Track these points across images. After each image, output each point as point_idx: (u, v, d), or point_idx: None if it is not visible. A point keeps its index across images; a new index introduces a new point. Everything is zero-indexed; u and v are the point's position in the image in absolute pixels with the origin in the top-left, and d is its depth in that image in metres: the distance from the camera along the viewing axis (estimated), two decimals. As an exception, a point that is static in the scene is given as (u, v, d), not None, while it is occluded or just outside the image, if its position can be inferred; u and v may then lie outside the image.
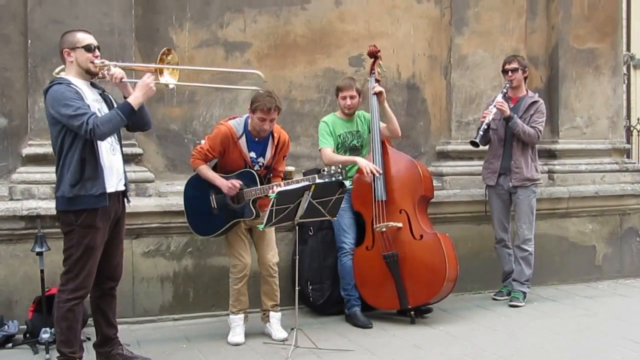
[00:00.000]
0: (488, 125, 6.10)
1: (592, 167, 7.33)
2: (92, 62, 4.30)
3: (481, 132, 6.07)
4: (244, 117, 5.30)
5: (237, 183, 5.15)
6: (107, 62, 4.37)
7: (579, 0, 7.24)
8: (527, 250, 6.32)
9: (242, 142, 5.22)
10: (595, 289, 7.01)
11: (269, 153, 5.30)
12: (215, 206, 5.23)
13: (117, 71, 4.33)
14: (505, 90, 6.20)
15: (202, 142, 5.40)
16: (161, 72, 4.38)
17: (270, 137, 5.29)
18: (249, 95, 6.21)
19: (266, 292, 5.39)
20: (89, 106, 4.19)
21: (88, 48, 4.29)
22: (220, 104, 6.19)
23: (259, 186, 5.14)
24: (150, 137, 5.96)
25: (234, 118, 5.37)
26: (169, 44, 6.02)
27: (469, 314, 6.05)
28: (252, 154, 5.26)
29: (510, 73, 6.26)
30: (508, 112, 6.06)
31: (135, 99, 4.29)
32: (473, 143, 6.10)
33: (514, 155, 6.22)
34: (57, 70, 4.58)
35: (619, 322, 5.81)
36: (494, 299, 6.48)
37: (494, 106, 6.06)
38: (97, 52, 4.35)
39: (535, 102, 6.30)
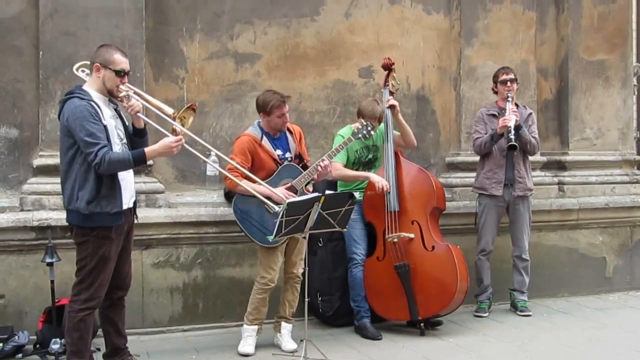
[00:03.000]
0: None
1: (603, 178, 7.31)
2: (118, 87, 4.33)
3: (512, 137, 5.93)
4: (255, 123, 5.44)
5: (288, 193, 5.13)
6: (130, 91, 4.38)
7: (588, 12, 7.26)
8: (528, 260, 6.41)
9: (265, 143, 5.33)
10: (606, 301, 6.98)
11: (293, 145, 5.45)
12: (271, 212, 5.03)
13: (135, 104, 4.37)
14: (510, 100, 6.16)
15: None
16: (175, 117, 4.41)
17: (287, 132, 5.46)
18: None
19: (288, 298, 5.42)
20: (105, 127, 4.21)
21: (119, 73, 4.32)
22: (229, 116, 6.20)
23: (304, 172, 5.31)
24: (160, 148, 5.96)
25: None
26: (180, 55, 6.06)
27: (478, 325, 6.03)
28: (279, 152, 5.37)
29: (509, 83, 6.26)
30: (519, 121, 6.09)
31: (152, 152, 4.32)
32: (512, 147, 5.96)
33: (517, 165, 6.24)
34: (77, 65, 4.61)
35: (629, 334, 5.78)
36: (477, 316, 6.28)
37: (511, 113, 6.04)
38: (126, 79, 4.37)
39: (530, 113, 6.43)
